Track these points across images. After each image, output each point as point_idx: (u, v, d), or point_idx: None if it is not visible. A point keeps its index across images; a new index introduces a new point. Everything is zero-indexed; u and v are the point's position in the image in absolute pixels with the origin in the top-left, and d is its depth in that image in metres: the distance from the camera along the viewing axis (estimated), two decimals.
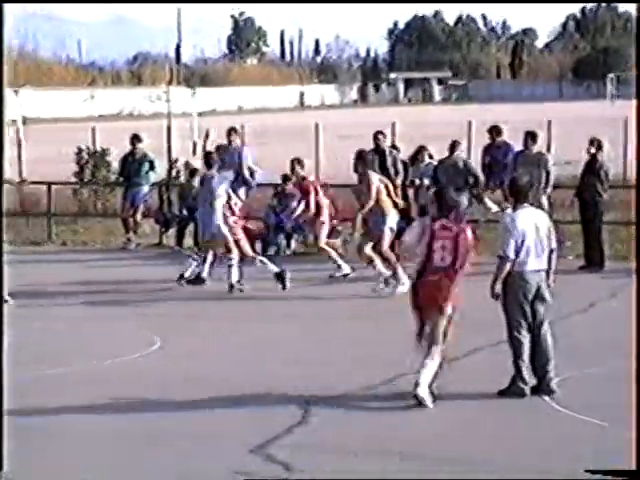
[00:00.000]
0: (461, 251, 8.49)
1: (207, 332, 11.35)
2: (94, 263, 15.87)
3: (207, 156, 14.18)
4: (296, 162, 14.54)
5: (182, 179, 17.83)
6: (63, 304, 12.86)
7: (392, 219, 13.22)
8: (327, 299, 13.01)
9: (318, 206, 14.33)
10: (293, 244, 16.47)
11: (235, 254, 13.39)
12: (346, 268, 13.87)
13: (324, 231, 14.37)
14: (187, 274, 13.59)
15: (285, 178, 16.47)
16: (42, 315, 12.29)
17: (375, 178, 13.31)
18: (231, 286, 13.27)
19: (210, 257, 13.63)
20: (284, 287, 13.29)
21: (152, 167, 17.63)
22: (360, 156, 13.58)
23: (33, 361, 10.07)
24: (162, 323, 11.69)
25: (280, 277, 13.34)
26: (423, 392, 8.29)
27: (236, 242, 13.55)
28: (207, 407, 8.56)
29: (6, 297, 12.96)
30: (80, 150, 20.22)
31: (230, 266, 13.35)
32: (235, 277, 13.34)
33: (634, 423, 7.38)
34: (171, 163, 19.34)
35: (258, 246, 15.96)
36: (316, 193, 14.39)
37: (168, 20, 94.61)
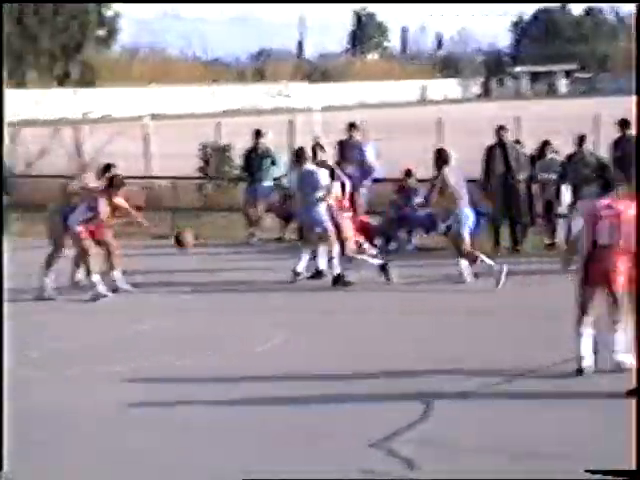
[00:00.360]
0: (625, 229, 8.76)
1: (329, 326, 11.38)
2: (218, 257, 16.05)
3: (298, 152, 14.18)
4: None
5: None
6: (188, 298, 13.05)
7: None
8: (444, 293, 12.92)
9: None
10: (415, 239, 16.39)
11: (336, 248, 13.49)
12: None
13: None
14: (300, 269, 13.66)
15: (408, 173, 16.41)
16: (166, 308, 12.49)
17: (449, 177, 13.28)
18: (336, 278, 13.34)
19: (319, 251, 13.77)
20: (388, 279, 13.32)
21: (274, 162, 17.76)
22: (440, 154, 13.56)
23: (162, 352, 10.25)
24: (283, 317, 11.77)
25: (384, 269, 13.38)
26: (625, 357, 8.74)
27: (341, 237, 13.70)
28: (329, 401, 8.58)
29: (125, 286, 13.25)
30: (204, 146, 20.50)
31: (331, 259, 13.44)
32: (339, 269, 13.41)
33: (634, 423, 7.29)
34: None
35: (379, 242, 15.99)
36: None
37: (291, 16, 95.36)
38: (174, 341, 10.78)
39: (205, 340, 10.81)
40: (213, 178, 20.09)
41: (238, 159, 19.32)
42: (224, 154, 20.22)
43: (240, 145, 19.37)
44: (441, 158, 13.47)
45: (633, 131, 15.82)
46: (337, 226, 13.73)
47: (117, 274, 13.35)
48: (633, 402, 7.92)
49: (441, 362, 9.59)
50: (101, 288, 12.93)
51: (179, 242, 15.11)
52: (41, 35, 53.06)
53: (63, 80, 52.64)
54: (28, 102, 46.74)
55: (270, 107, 52.55)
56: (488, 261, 13.15)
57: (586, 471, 6.74)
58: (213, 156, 20.25)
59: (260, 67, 69.77)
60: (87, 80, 53.21)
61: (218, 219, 19.25)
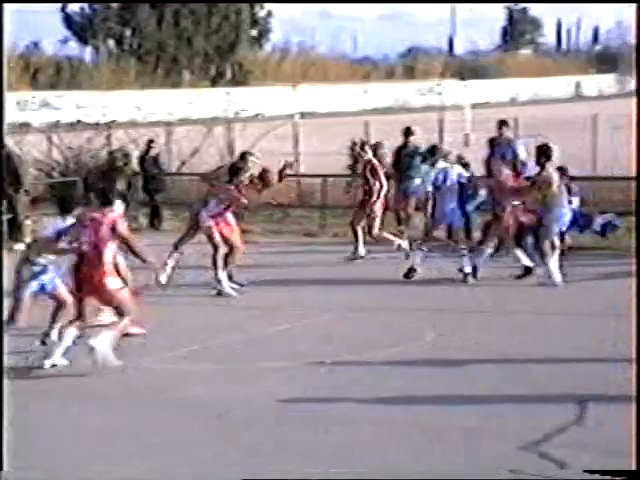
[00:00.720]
0: None
1: (480, 326, 11.27)
2: (367, 255, 16.04)
3: (434, 150, 14.18)
4: None
5: None
6: (336, 295, 13.09)
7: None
8: (580, 293, 12.66)
9: None
10: (567, 239, 16.03)
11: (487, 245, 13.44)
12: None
13: None
14: (467, 269, 13.57)
15: (561, 170, 16.08)
16: (315, 305, 12.54)
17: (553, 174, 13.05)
18: (466, 275, 13.38)
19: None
20: (523, 276, 13.30)
21: (424, 160, 17.61)
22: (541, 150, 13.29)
23: (312, 349, 10.30)
24: (437, 315, 11.69)
25: (528, 271, 13.23)
26: None
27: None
28: (479, 402, 8.48)
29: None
30: (354, 143, 20.52)
31: (462, 256, 13.40)
32: (470, 267, 13.37)
33: (634, 422, 7.10)
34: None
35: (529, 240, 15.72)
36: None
37: (441, 13, 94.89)
38: (326, 339, 10.81)
39: (355, 338, 10.81)
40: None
41: (387, 157, 19.26)
42: (373, 152, 20.15)
43: (389, 143, 19.34)
44: (545, 154, 13.20)
45: None
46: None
47: (224, 274, 13.20)
48: (633, 401, 7.72)
49: (601, 364, 9.38)
50: (225, 285, 13.02)
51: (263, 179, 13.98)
52: (195, 36, 54.10)
53: (216, 80, 53.56)
54: (182, 102, 47.72)
55: (420, 105, 52.38)
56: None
57: (585, 471, 6.65)
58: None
59: (410, 64, 69.66)
60: (239, 80, 54.04)
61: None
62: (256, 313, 12.13)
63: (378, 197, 15.36)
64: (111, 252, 9.73)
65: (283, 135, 22.52)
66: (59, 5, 55.17)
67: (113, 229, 9.71)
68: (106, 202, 9.98)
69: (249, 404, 8.66)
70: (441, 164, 13.81)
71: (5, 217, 17.24)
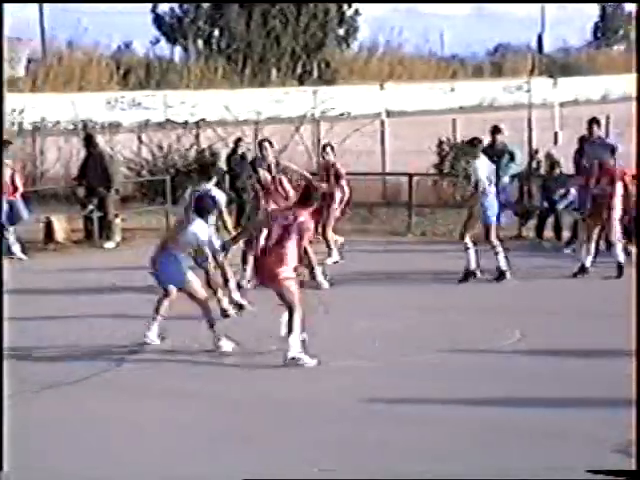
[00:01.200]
0: None
1: (566, 326, 11.13)
2: (452, 254, 15.93)
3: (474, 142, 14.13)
4: None
5: (543, 171, 17.58)
6: (414, 295, 13.04)
7: None
8: None
9: None
10: None
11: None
12: None
13: None
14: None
15: None
16: (395, 303, 12.50)
17: None
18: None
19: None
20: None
21: (512, 159, 17.46)
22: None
23: (395, 347, 10.27)
24: (523, 316, 11.57)
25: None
26: None
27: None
28: (564, 405, 8.38)
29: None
30: (441, 142, 20.44)
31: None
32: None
33: (634, 422, 7.02)
34: (531, 154, 19.10)
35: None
36: None
37: (531, 10, 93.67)
38: (409, 337, 10.77)
39: (438, 337, 10.76)
40: (448, 175, 19.99)
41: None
42: (460, 151, 20.07)
43: None
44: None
45: None
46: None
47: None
48: (633, 401, 7.66)
49: None
50: (320, 278, 13.10)
51: None
52: (283, 36, 54.35)
53: (303, 79, 53.73)
54: (270, 101, 47.95)
55: (508, 103, 51.87)
56: None
57: (587, 471, 6.61)
58: (449, 153, 20.16)
59: (498, 62, 69.05)
60: (326, 79, 54.13)
61: (452, 216, 19.12)
62: (338, 311, 12.13)
63: (340, 202, 15.03)
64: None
65: (370, 133, 22.50)
66: (149, 6, 55.87)
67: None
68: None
69: (333, 402, 8.68)
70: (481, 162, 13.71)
71: (96, 215, 17.51)
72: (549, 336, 10.74)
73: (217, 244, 10.62)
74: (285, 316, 10.06)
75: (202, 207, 10.78)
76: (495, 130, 17.71)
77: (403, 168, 20.03)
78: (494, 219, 13.55)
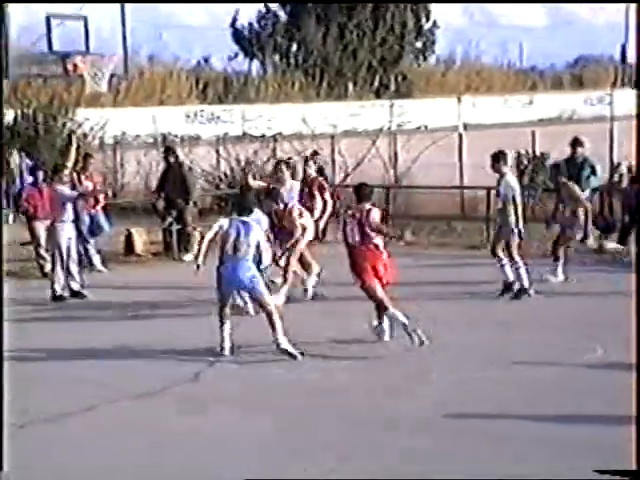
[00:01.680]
0: None
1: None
2: (529, 269, 15.80)
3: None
4: None
5: (624, 184, 17.35)
6: (495, 308, 12.92)
7: None
8: None
9: None
10: None
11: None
12: None
13: None
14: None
15: None
16: (474, 318, 12.40)
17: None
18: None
19: None
20: None
21: (593, 172, 17.24)
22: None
23: (475, 362, 10.19)
24: (604, 331, 11.41)
25: None
26: None
27: None
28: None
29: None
30: (519, 155, 20.26)
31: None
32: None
33: (634, 422, 6.97)
34: (613, 168, 18.85)
35: None
36: None
37: (613, 20, 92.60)
38: (489, 353, 10.68)
39: (519, 353, 10.65)
40: (527, 187, 19.80)
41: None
42: (539, 163, 19.89)
43: (557, 154, 18.99)
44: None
45: None
46: None
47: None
48: (633, 401, 7.61)
49: None
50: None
51: None
52: (360, 49, 54.42)
53: (380, 92, 53.72)
54: (346, 114, 48.03)
55: (589, 115, 51.33)
56: None
57: (595, 471, 6.59)
58: (528, 165, 19.98)
59: (578, 74, 68.40)
60: (403, 92, 54.06)
61: (533, 229, 18.93)
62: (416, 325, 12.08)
63: (320, 217, 14.65)
64: None
65: (447, 146, 22.40)
66: (228, 21, 56.37)
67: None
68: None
69: (414, 415, 8.63)
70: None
71: (174, 228, 17.67)
72: (630, 351, 10.55)
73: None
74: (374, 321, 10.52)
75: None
76: (575, 142, 17.49)
77: (481, 181, 19.88)
78: (516, 233, 13.40)
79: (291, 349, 10.50)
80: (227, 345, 10.76)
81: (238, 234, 10.89)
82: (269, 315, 10.67)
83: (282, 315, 10.80)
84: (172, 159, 18.07)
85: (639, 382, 8.13)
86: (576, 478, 6.97)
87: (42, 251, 15.85)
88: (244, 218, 11.05)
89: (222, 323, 10.85)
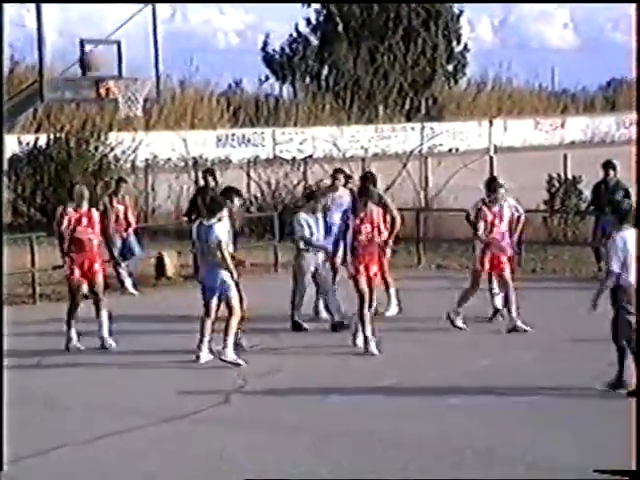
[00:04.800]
0: None
1: None
2: (563, 292, 15.71)
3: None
4: None
5: None
6: (535, 330, 12.86)
7: None
8: None
9: None
10: None
11: None
12: None
13: None
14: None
15: None
16: (512, 341, 12.34)
17: None
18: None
19: None
20: None
21: (627, 195, 17.14)
22: None
23: (514, 386, 10.15)
24: None
25: None
26: None
27: None
28: None
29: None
30: (551, 178, 20.18)
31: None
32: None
33: (634, 422, 6.99)
34: None
35: None
36: None
37: None
38: (528, 377, 10.62)
39: (560, 377, 10.59)
40: (558, 211, 19.73)
41: (586, 192, 18.86)
42: (571, 187, 19.80)
43: (588, 178, 18.91)
44: None
45: None
46: None
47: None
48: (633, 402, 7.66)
49: None
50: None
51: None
52: (391, 72, 54.51)
53: (411, 115, 53.74)
54: (377, 137, 48.03)
55: (622, 138, 51.10)
56: None
57: (595, 471, 6.61)
58: (560, 189, 19.90)
59: (610, 96, 68.16)
60: (434, 115, 54.07)
61: (563, 253, 18.85)
62: (453, 349, 12.02)
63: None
64: None
65: (479, 169, 22.33)
66: (259, 44, 56.67)
67: None
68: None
69: (443, 442, 8.57)
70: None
71: None
72: None
73: None
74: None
75: None
76: (608, 165, 17.42)
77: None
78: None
79: (233, 359, 10.82)
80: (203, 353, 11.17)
81: (199, 238, 11.18)
82: (229, 321, 10.96)
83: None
84: (212, 182, 18.00)
85: (639, 382, 8.05)
86: (576, 478, 6.87)
87: None
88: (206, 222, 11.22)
89: (202, 335, 11.23)
